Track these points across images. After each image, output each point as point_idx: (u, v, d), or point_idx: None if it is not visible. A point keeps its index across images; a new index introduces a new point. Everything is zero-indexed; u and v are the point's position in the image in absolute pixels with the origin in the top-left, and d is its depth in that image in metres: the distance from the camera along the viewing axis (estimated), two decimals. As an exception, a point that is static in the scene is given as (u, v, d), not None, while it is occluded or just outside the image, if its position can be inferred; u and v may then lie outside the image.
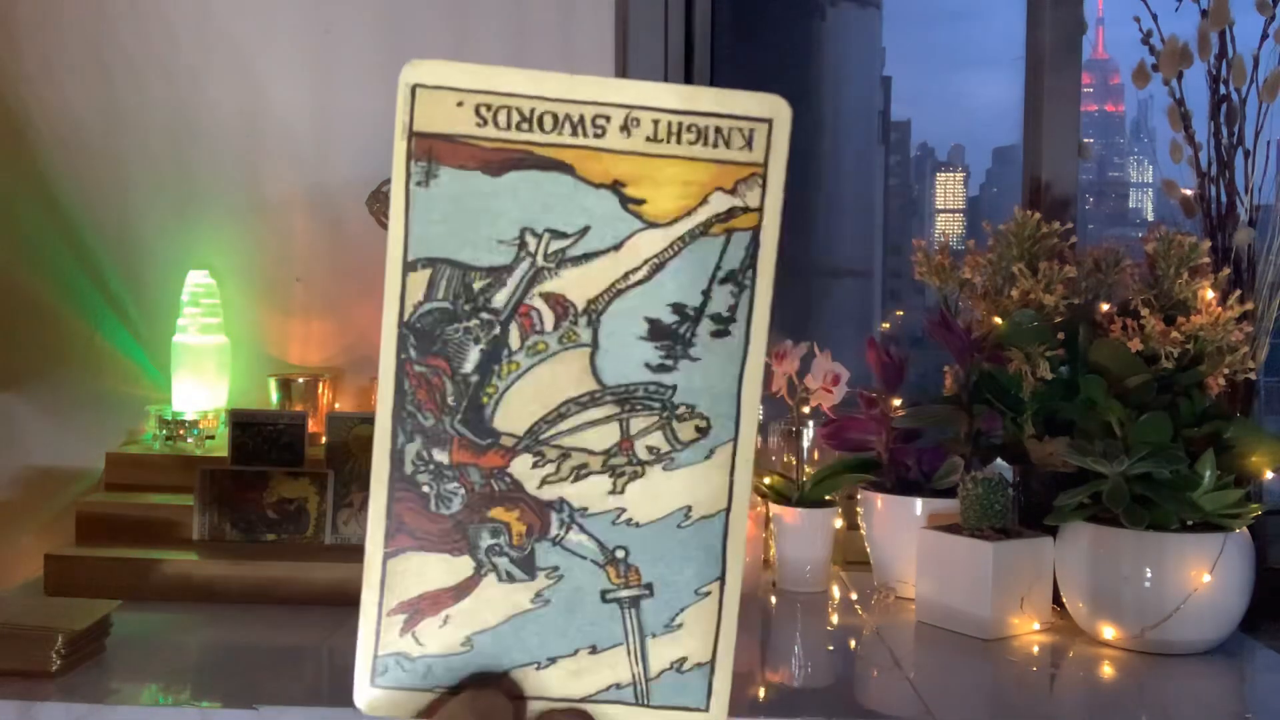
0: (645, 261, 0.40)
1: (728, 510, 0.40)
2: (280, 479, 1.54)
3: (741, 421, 0.40)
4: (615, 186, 0.40)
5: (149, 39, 1.78)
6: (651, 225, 0.40)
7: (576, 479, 0.40)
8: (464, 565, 0.41)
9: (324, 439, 1.57)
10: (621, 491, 0.40)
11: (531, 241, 0.40)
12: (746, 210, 0.40)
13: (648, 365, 0.40)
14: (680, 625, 0.39)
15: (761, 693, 1.25)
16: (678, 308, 0.40)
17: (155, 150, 1.79)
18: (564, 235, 0.40)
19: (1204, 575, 1.30)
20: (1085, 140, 1.86)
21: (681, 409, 0.40)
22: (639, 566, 0.40)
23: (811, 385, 1.59)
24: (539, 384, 0.40)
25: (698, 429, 0.40)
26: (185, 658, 1.32)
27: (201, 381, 1.71)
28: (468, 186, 0.40)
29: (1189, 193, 1.67)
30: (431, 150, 0.40)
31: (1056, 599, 1.42)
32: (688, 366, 0.40)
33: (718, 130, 0.40)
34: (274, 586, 1.44)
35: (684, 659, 0.39)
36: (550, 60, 1.78)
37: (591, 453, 0.40)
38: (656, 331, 0.40)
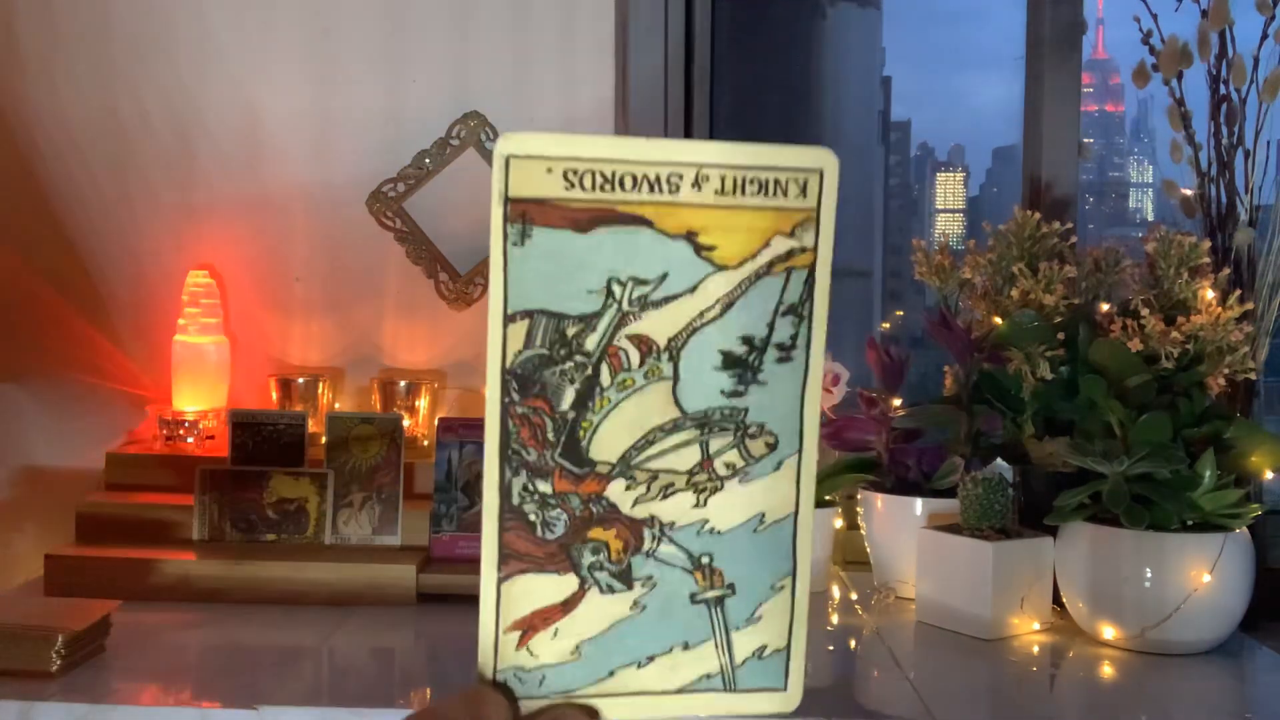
0: (717, 301, 0.45)
1: (795, 514, 0.45)
2: (280, 479, 1.54)
3: (805, 435, 0.45)
4: (689, 236, 0.45)
5: (149, 39, 1.77)
6: (721, 268, 0.45)
7: (665, 497, 0.45)
8: (569, 582, 0.45)
9: (324, 439, 1.57)
10: (704, 505, 0.45)
11: (617, 290, 0.45)
12: (803, 250, 0.45)
13: (722, 392, 0.45)
14: (760, 618, 0.44)
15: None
16: (746, 339, 0.45)
17: (155, 150, 1.79)
18: (645, 282, 0.45)
19: (1204, 575, 1.30)
20: (1085, 140, 1.86)
21: (753, 428, 0.45)
22: (722, 570, 0.45)
23: (811, 385, 1.59)
24: (628, 416, 0.45)
25: (767, 445, 0.45)
26: (185, 658, 1.32)
27: (201, 381, 1.71)
28: (559, 243, 0.45)
29: (1189, 193, 1.67)
30: (525, 214, 0.45)
31: (1056, 599, 1.42)
32: (757, 391, 0.45)
33: (776, 181, 0.45)
34: (274, 586, 1.44)
35: (764, 647, 0.44)
36: (550, 61, 1.78)
37: (677, 473, 0.45)
38: (729, 361, 0.45)
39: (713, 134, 1.92)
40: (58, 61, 1.77)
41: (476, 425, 1.52)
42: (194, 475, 1.54)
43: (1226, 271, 1.50)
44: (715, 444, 0.45)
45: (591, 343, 0.45)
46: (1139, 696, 1.25)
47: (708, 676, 0.45)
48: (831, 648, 1.43)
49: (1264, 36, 1.61)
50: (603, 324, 0.45)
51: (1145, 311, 1.42)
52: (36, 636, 1.17)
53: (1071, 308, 1.49)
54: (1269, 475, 1.40)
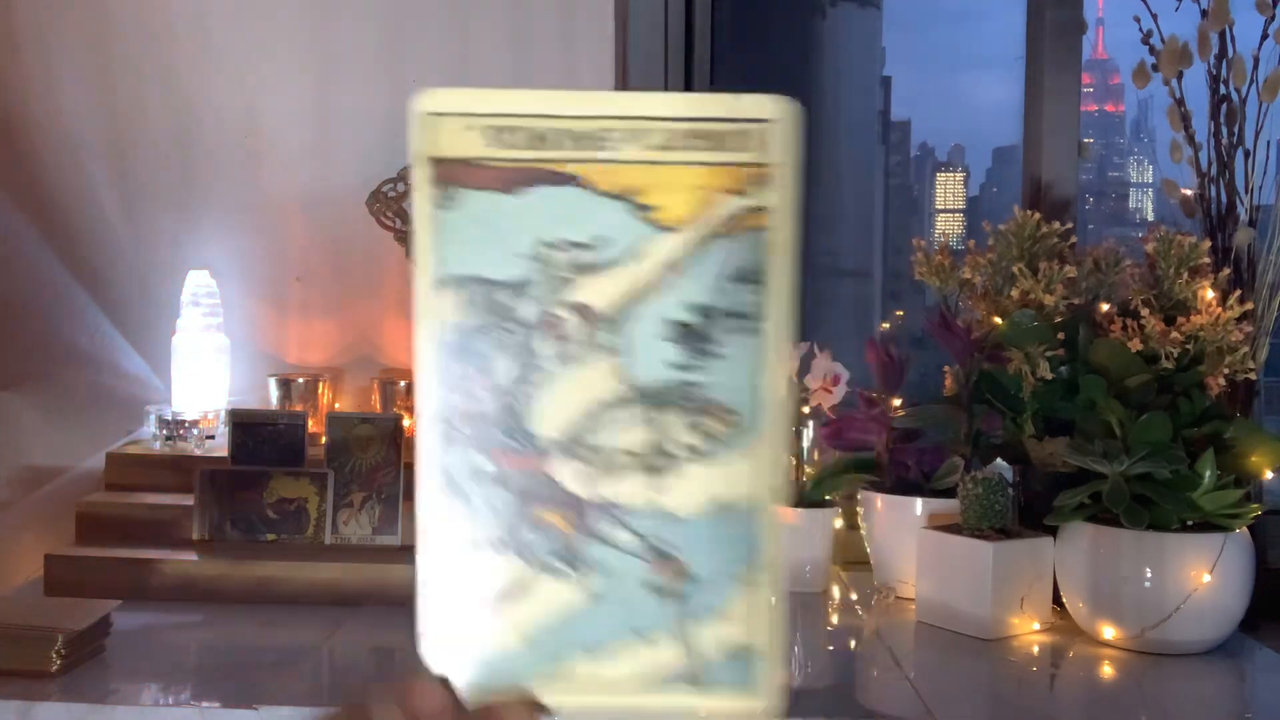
0: (662, 265, 0.42)
1: (763, 499, 0.41)
2: (280, 479, 1.54)
3: (770, 415, 0.41)
4: (626, 196, 0.42)
5: (149, 39, 1.77)
6: (666, 230, 0.42)
7: (616, 478, 0.41)
8: (514, 566, 0.42)
9: (324, 439, 1.57)
10: (660, 487, 0.41)
11: (549, 254, 0.42)
12: (758, 210, 0.42)
13: (674, 365, 0.41)
14: (725, 612, 0.40)
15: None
16: (698, 308, 0.42)
17: (155, 150, 1.79)
18: (582, 246, 0.42)
19: (1204, 575, 1.30)
20: (1085, 140, 1.86)
21: (711, 405, 0.41)
22: (680, 557, 0.41)
23: (811, 385, 1.59)
24: (572, 389, 0.42)
25: (728, 424, 0.41)
26: (185, 658, 1.32)
27: (201, 381, 1.71)
28: (487, 206, 0.42)
29: (1189, 193, 1.66)
30: (449, 174, 0.43)
31: (1056, 599, 1.42)
32: (714, 364, 0.41)
33: (725, 134, 0.42)
34: (274, 586, 1.44)
35: (732, 644, 0.40)
36: (550, 61, 1.78)
37: (628, 452, 0.41)
38: (679, 332, 0.42)
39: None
40: (57, 61, 1.77)
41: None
42: (194, 475, 1.54)
43: (1226, 271, 1.50)
44: (669, 422, 0.42)
45: (526, 311, 0.42)
46: (1139, 696, 1.25)
47: (667, 671, 0.41)
48: (831, 648, 1.43)
49: (1264, 36, 1.61)
50: (537, 291, 0.42)
51: (1145, 311, 1.42)
52: (36, 636, 1.17)
53: (1071, 308, 1.49)
54: (1269, 475, 1.40)
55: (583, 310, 0.42)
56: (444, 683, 0.44)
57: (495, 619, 0.42)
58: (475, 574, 0.42)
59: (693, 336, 0.42)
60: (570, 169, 0.42)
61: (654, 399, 0.42)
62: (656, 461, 0.41)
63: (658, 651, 0.41)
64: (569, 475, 0.42)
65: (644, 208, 0.42)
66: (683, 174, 0.42)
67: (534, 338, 0.42)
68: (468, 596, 0.42)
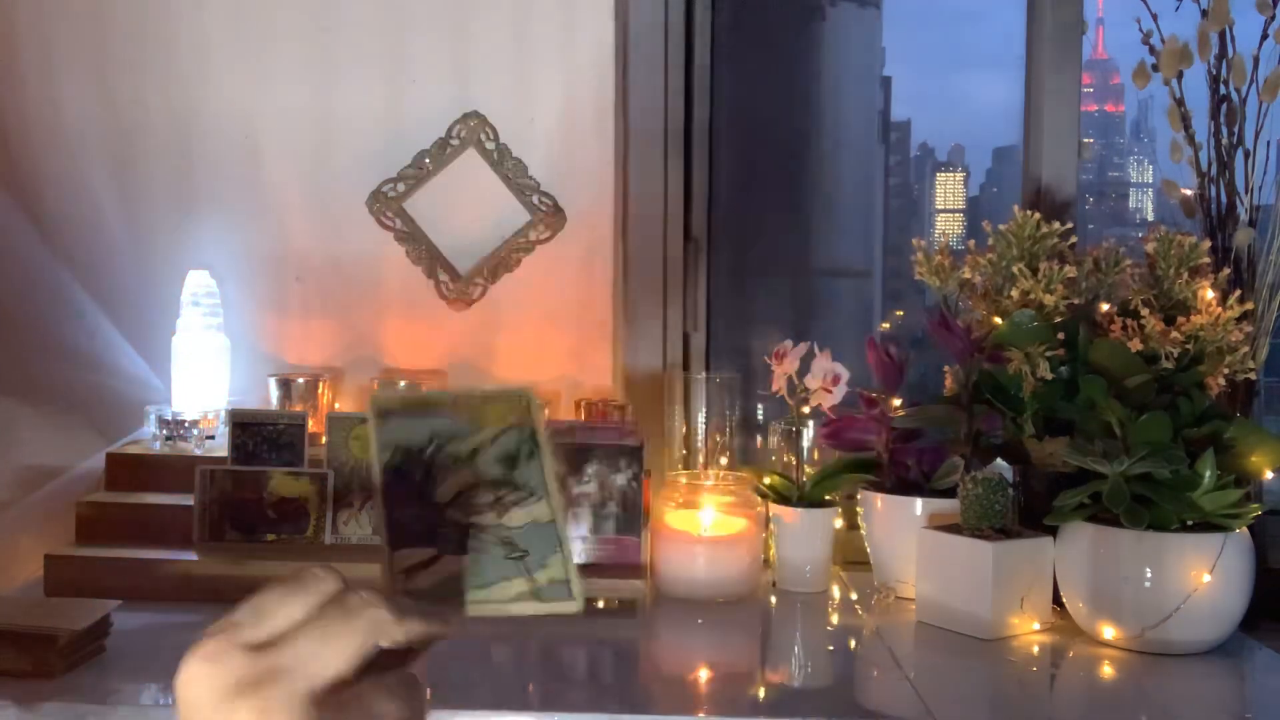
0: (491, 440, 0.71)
1: (555, 518, 0.69)
2: (280, 479, 1.54)
3: (550, 485, 0.69)
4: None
5: (149, 39, 1.78)
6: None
7: (481, 514, 0.69)
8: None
9: (324, 439, 1.57)
10: (505, 518, 0.69)
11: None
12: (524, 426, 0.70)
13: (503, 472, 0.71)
14: (546, 564, 0.68)
15: (761, 693, 1.25)
16: (508, 456, 0.71)
17: (155, 150, 1.79)
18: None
19: (1204, 575, 1.30)
20: (1085, 140, 1.86)
21: (523, 485, 0.69)
22: (521, 545, 0.68)
23: (811, 385, 1.59)
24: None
25: (531, 492, 0.70)
26: (185, 658, 1.32)
27: (201, 381, 1.71)
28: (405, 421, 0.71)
29: (1189, 193, 1.67)
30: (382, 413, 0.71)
31: (1056, 599, 1.42)
32: (524, 469, 0.70)
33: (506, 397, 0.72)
34: (274, 586, 1.44)
35: (553, 578, 0.68)
36: (550, 61, 1.78)
37: (486, 505, 0.69)
38: (504, 462, 0.70)
39: (712, 134, 1.92)
40: (57, 62, 1.77)
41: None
42: (194, 475, 1.54)
43: (1226, 271, 1.50)
44: (505, 493, 0.69)
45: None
46: (1139, 696, 1.25)
47: (521, 593, 0.67)
48: (831, 648, 1.43)
49: (1264, 36, 1.61)
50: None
51: (1145, 311, 1.42)
52: (37, 636, 1.17)
53: (1071, 308, 1.49)
54: (1269, 475, 1.40)
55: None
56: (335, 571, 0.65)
57: (425, 573, 0.70)
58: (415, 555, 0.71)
59: (511, 463, 0.70)
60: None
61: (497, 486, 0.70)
62: (501, 507, 0.69)
63: (517, 586, 0.67)
64: (459, 514, 0.69)
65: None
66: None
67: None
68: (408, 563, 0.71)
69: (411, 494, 0.71)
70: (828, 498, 1.61)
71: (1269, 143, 1.62)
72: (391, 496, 0.72)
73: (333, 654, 0.56)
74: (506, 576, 0.68)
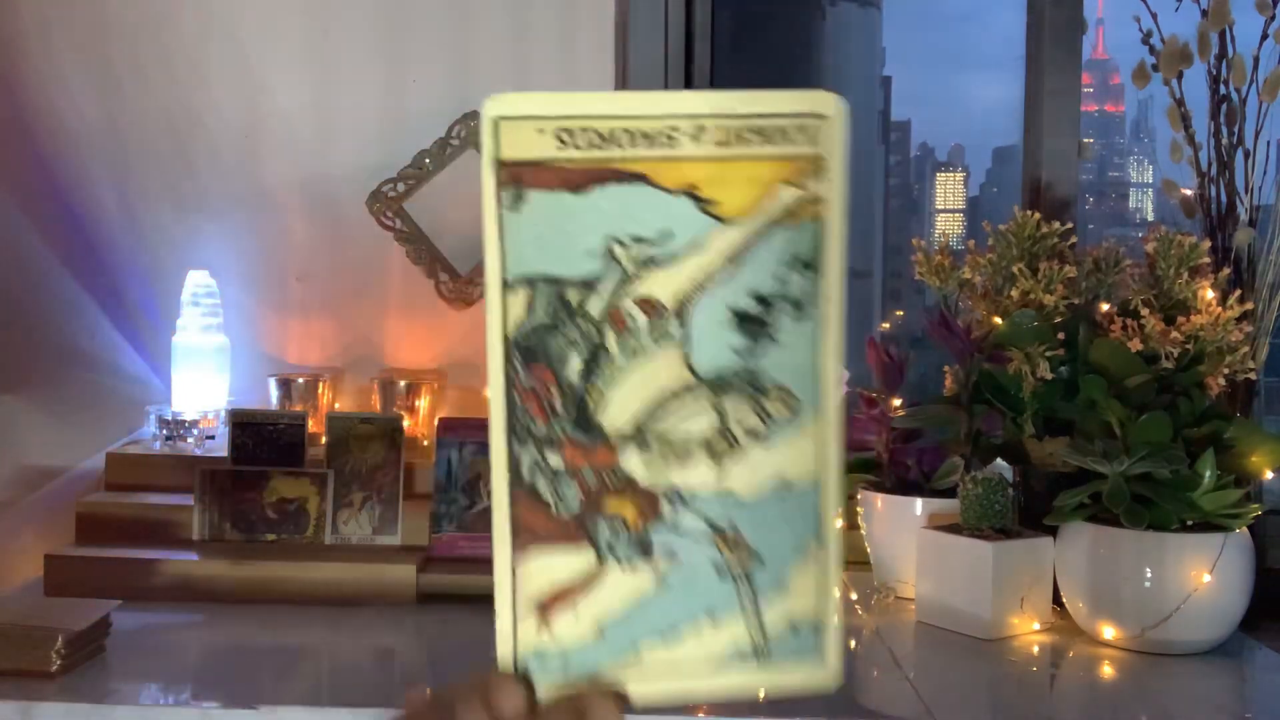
0: (723, 257, 0.43)
1: (822, 477, 0.43)
2: (280, 479, 1.54)
3: (825, 395, 0.43)
4: (690, 191, 0.43)
5: (150, 39, 1.78)
6: (725, 222, 0.43)
7: (682, 465, 0.43)
8: (587, 558, 0.44)
9: (324, 439, 1.57)
10: (724, 471, 0.43)
11: (618, 251, 0.44)
12: (813, 200, 0.44)
13: (735, 351, 0.43)
14: (788, 587, 0.42)
15: (761, 692, 1.25)
16: (757, 296, 0.43)
17: (156, 150, 1.79)
18: (647, 241, 0.44)
19: (1204, 575, 1.30)
20: (1085, 140, 1.86)
21: (770, 389, 0.43)
22: (747, 538, 0.42)
23: (811, 385, 1.59)
24: (638, 382, 0.43)
25: (787, 406, 0.43)
26: (185, 658, 1.32)
27: (201, 381, 1.71)
28: (555, 206, 0.45)
29: (1189, 193, 1.66)
30: (518, 176, 0.45)
31: (1056, 599, 1.42)
32: (773, 349, 0.43)
33: (779, 129, 0.43)
34: (274, 586, 1.44)
35: (797, 619, 0.42)
36: (550, 61, 1.78)
37: (693, 439, 0.43)
38: (740, 320, 0.44)
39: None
40: (59, 61, 1.77)
41: (477, 425, 1.52)
42: (194, 475, 1.54)
43: (1226, 271, 1.49)
44: (731, 407, 0.43)
45: (595, 307, 0.44)
46: (1139, 696, 1.25)
47: (739, 651, 0.43)
48: (831, 648, 1.43)
49: (1264, 36, 1.61)
50: (606, 287, 0.44)
51: (1145, 311, 1.42)
52: (37, 636, 1.17)
53: (1071, 308, 1.49)
54: (1269, 475, 1.40)
55: (648, 303, 0.43)
56: (523, 679, 0.44)
57: (570, 612, 0.43)
58: (549, 568, 0.43)
59: (754, 323, 0.43)
60: (637, 167, 0.43)
61: (717, 386, 0.43)
62: (720, 446, 0.43)
63: (729, 632, 0.43)
64: (638, 465, 0.43)
65: (705, 201, 0.43)
66: (740, 168, 0.44)
67: (603, 333, 0.44)
68: (542, 591, 0.43)
69: (549, 410, 0.44)
70: (828, 498, 1.61)
71: (1269, 143, 1.62)
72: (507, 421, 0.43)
73: None
74: (712, 614, 0.43)
